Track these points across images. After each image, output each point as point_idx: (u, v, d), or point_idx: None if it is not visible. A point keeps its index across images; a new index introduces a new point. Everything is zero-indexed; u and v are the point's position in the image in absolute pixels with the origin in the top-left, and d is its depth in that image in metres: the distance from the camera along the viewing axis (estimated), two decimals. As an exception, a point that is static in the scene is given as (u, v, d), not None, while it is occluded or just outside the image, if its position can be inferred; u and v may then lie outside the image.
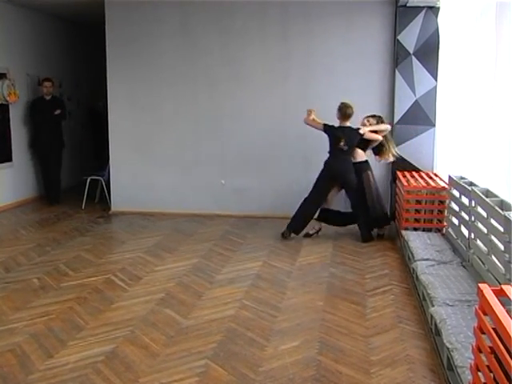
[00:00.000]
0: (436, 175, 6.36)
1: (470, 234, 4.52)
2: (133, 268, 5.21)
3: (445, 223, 5.64)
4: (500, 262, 3.63)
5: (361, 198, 6.15)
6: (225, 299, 4.40)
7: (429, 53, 6.68)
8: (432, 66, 6.69)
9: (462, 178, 5.20)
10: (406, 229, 5.74)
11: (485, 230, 4.03)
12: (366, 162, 6.27)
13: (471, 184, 4.81)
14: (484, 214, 4.06)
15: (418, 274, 4.35)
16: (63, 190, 8.58)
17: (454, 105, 5.88)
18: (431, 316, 3.62)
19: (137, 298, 4.44)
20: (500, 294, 2.41)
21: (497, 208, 3.78)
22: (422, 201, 5.77)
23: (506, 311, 2.25)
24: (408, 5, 6.62)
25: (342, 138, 6.01)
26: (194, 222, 7.17)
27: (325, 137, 6.13)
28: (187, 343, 3.60)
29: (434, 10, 6.62)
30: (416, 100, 6.79)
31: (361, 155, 6.24)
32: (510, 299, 2.37)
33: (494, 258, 3.80)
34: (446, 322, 3.27)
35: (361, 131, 6.06)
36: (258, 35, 7.21)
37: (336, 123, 6.10)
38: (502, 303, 2.33)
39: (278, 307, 4.25)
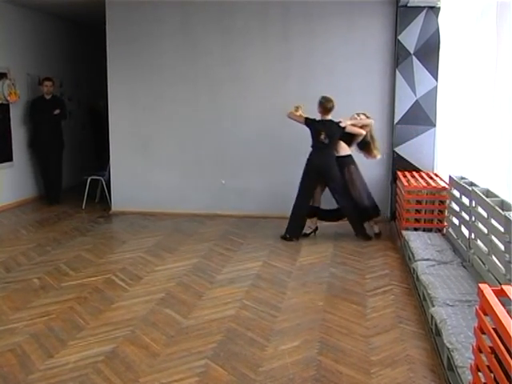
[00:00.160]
0: (436, 175, 6.36)
1: (470, 234, 4.52)
2: (133, 268, 5.22)
3: (445, 223, 5.64)
4: (500, 262, 3.63)
5: (345, 192, 6.14)
6: (225, 299, 4.40)
7: (429, 53, 6.69)
8: (432, 66, 6.69)
9: (462, 178, 5.20)
10: (407, 229, 5.74)
11: (485, 230, 4.03)
12: (350, 156, 6.24)
13: (471, 184, 4.80)
14: (484, 214, 4.06)
15: (419, 274, 4.36)
16: (63, 190, 8.59)
17: (455, 105, 5.88)
18: (431, 316, 3.62)
19: (137, 297, 4.44)
20: (500, 294, 2.41)
21: (497, 208, 3.78)
22: (423, 201, 5.77)
23: (507, 311, 2.25)
24: (409, 5, 6.62)
25: (323, 131, 6.03)
26: (194, 221, 7.17)
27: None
28: (187, 343, 3.60)
29: (434, 10, 6.63)
30: (416, 100, 6.80)
31: (344, 149, 6.21)
32: (510, 299, 2.37)
33: (494, 258, 3.80)
34: (446, 322, 3.27)
35: (342, 124, 6.07)
36: (258, 35, 7.22)
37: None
38: (502, 303, 2.33)
39: (279, 307, 4.25)
